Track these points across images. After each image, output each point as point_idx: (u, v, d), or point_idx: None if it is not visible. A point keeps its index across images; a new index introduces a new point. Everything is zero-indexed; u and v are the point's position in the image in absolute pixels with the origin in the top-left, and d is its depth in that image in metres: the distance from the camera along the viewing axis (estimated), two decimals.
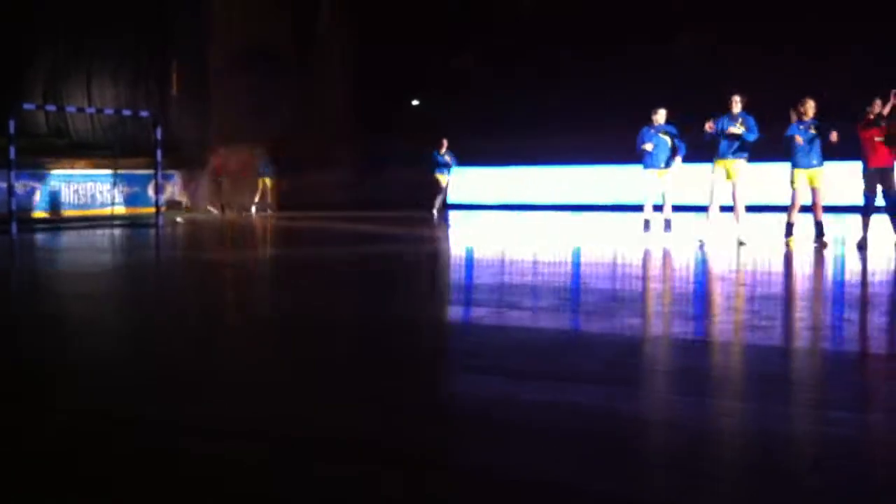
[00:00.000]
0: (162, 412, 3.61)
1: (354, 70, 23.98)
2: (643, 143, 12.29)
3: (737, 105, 10.89)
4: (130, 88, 21.88)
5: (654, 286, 7.82)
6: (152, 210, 17.37)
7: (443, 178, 19.36)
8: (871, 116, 10.26)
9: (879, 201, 10.29)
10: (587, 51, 20.83)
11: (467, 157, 20.56)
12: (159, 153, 16.85)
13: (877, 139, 10.17)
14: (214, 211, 22.16)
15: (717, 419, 3.49)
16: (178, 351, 4.98)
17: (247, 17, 22.82)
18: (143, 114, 18.08)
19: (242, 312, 6.66)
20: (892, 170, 10.17)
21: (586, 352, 4.78)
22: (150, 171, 18.04)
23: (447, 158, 19.23)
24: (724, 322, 5.71)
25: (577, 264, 9.90)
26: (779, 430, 3.30)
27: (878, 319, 5.86)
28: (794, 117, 10.71)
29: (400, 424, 3.41)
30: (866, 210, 10.30)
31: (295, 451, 3.07)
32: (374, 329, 5.58)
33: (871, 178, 10.27)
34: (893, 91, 10.07)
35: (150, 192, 19.34)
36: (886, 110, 10.12)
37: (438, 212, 19.04)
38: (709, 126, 10.83)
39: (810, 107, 10.60)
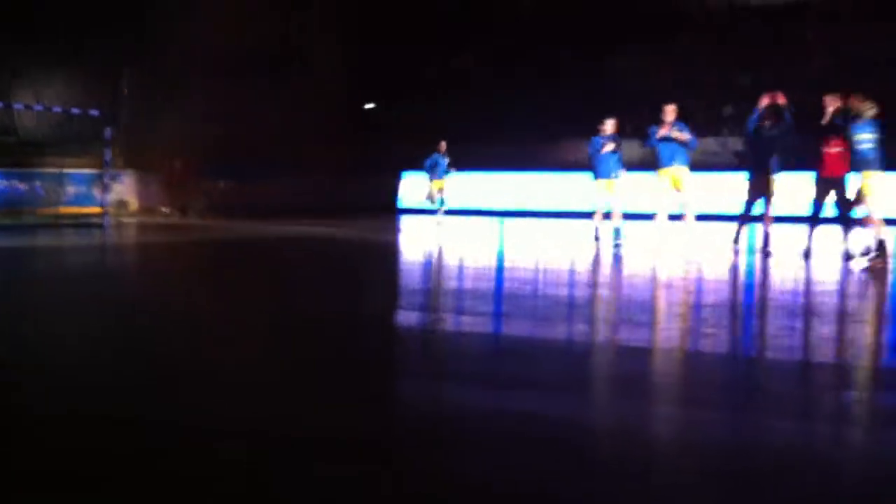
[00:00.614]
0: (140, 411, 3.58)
1: (345, 72, 23.83)
2: (596, 149, 12.41)
3: (671, 115, 11.16)
4: (83, 87, 21.54)
5: (603, 293, 7.91)
6: (99, 210, 17.12)
7: (439, 182, 18.96)
8: (824, 123, 10.38)
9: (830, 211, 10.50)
10: (587, 51, 20.95)
11: (467, 162, 20.26)
12: (108, 153, 16.61)
13: (834, 150, 10.26)
14: (166, 211, 21.93)
15: (667, 426, 3.56)
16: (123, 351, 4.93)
17: (224, 18, 22.57)
18: (93, 113, 17.80)
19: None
20: (844, 180, 10.37)
21: (535, 358, 4.84)
22: (98, 171, 17.78)
23: (445, 161, 18.77)
24: (670, 330, 5.81)
25: (505, 269, 9.97)
26: (720, 436, 3.38)
27: (801, 326, 6.00)
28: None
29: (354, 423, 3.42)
30: (813, 219, 10.49)
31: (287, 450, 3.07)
32: (316, 333, 5.57)
33: (822, 187, 10.48)
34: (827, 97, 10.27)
35: (97, 191, 19.08)
36: (826, 119, 10.29)
37: (440, 216, 18.85)
38: (666, 132, 11.08)
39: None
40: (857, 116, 9.91)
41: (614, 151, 12.27)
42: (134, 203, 22.17)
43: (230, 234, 15.16)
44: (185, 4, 22.08)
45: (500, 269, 9.92)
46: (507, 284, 8.27)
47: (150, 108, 22.96)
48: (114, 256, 11.86)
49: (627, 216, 12.97)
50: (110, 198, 17.65)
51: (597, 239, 12.47)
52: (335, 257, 11.31)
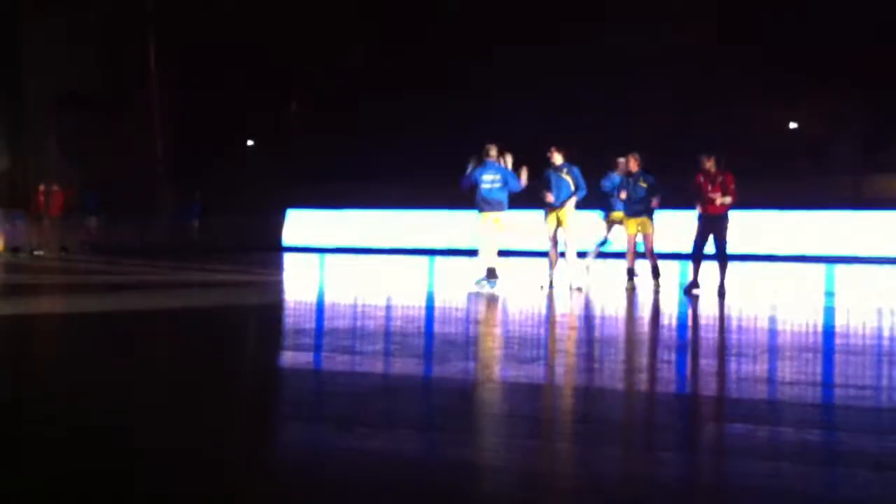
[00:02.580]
0: None
1: (175, 116, 23.47)
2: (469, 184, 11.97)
3: (557, 158, 11.24)
4: None
5: (487, 330, 7.80)
6: None
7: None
8: (706, 167, 10.67)
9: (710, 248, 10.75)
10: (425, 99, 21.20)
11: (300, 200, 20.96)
12: None
13: (710, 195, 10.56)
14: (38, 253, 20.73)
15: (543, 461, 3.41)
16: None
17: (68, 58, 21.89)
18: None
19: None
20: (725, 218, 10.64)
21: (414, 396, 4.64)
22: None
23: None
24: (555, 365, 5.71)
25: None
26: (607, 471, 3.25)
27: (686, 360, 6.02)
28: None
29: (216, 481, 3.14)
30: (696, 256, 10.72)
31: None
32: (192, 376, 5.24)
33: (703, 225, 10.72)
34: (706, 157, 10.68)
35: None
36: (713, 169, 10.61)
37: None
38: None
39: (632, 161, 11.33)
40: None
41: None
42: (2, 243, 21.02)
43: (111, 290, 14.43)
44: (47, 36, 21.41)
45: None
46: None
47: (10, 143, 22.01)
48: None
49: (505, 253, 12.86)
50: None
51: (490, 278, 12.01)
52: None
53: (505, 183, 10.91)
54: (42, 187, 21.07)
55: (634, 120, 19.78)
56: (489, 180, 10.94)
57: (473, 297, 10.37)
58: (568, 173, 11.25)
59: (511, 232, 11.55)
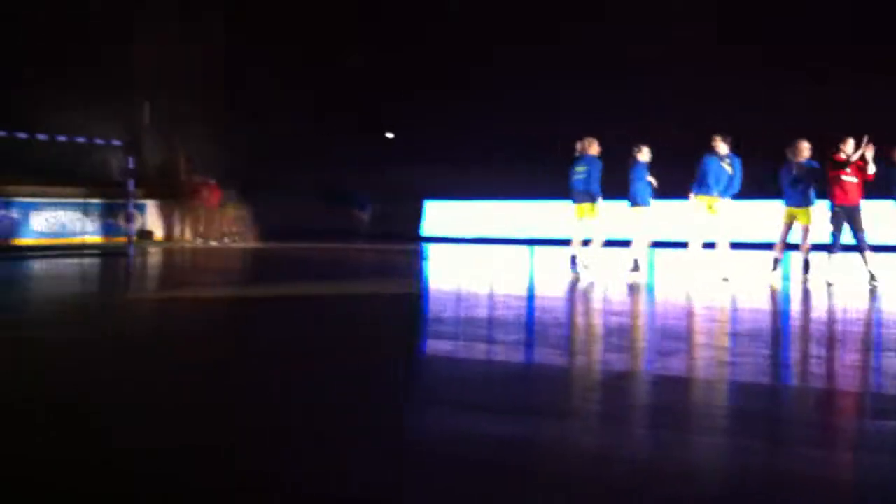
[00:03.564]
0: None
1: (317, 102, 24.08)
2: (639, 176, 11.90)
3: (722, 147, 11.00)
4: (102, 117, 21.75)
5: (631, 322, 7.77)
6: (124, 239, 17.20)
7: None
8: (842, 157, 10.32)
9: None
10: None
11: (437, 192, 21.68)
12: (131, 183, 16.68)
13: (844, 178, 10.23)
14: (208, 241, 22.06)
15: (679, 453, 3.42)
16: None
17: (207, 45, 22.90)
18: (116, 142, 17.93)
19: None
20: (859, 209, 10.26)
21: (553, 386, 4.71)
22: (122, 201, 17.90)
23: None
24: (696, 358, 5.66)
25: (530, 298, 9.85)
26: (747, 463, 3.23)
27: (835, 355, 5.83)
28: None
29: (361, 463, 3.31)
30: (832, 248, 10.37)
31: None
32: (342, 361, 5.48)
33: (837, 216, 10.34)
34: (867, 137, 10.16)
35: (121, 221, 19.21)
36: (855, 156, 10.20)
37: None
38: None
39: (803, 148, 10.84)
40: None
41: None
42: (158, 232, 22.28)
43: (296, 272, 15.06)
44: (188, 37, 22.48)
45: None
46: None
47: (170, 137, 23.26)
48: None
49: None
50: (134, 227, 17.72)
51: (635, 269, 11.92)
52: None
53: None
54: (199, 180, 22.39)
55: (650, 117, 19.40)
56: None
57: (617, 286, 10.33)
58: (730, 163, 11.03)
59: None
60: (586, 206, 11.53)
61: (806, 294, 9.76)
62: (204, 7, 22.45)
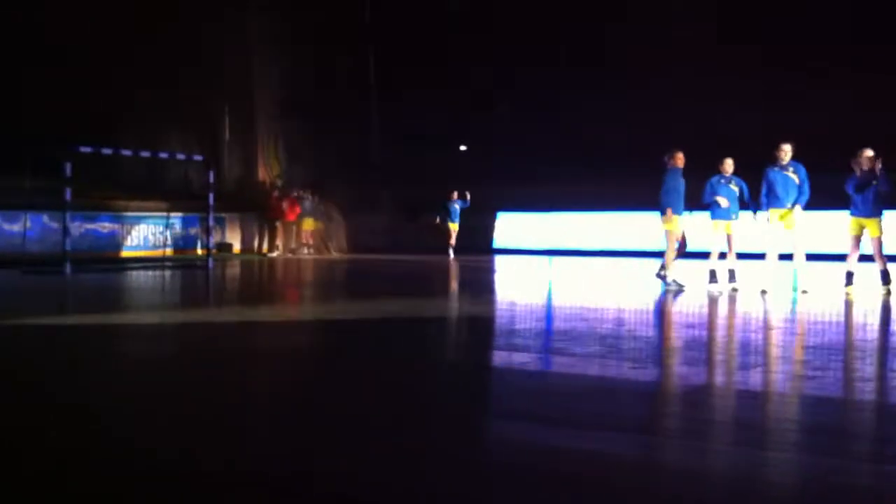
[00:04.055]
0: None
1: (393, 120, 24.40)
2: (714, 195, 11.74)
3: (787, 155, 10.80)
4: (183, 131, 22.40)
5: (702, 334, 7.68)
6: (203, 252, 17.68)
7: (453, 225, 21.72)
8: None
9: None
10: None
11: (507, 204, 22.38)
12: (211, 196, 17.11)
13: None
14: (306, 250, 22.74)
15: (755, 469, 3.39)
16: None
17: (292, 63, 23.36)
18: (197, 157, 18.43)
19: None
20: None
21: (627, 400, 4.70)
22: (201, 214, 18.40)
23: (456, 207, 21.74)
24: (773, 372, 5.58)
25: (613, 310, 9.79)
26: (829, 480, 3.19)
27: None
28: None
29: (431, 475, 3.36)
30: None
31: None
32: (419, 372, 5.56)
33: None
34: None
35: (201, 234, 19.78)
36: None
37: (454, 253, 21.26)
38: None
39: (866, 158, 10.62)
40: None
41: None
42: (237, 245, 22.82)
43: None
44: (271, 49, 22.97)
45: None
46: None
47: (248, 151, 23.82)
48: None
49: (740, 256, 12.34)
50: (213, 240, 18.16)
51: (713, 280, 11.78)
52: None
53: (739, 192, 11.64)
54: (276, 193, 22.97)
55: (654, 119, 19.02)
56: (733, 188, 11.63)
57: (693, 298, 10.22)
58: (795, 172, 10.81)
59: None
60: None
61: (886, 307, 9.52)
62: (299, 26, 22.94)
